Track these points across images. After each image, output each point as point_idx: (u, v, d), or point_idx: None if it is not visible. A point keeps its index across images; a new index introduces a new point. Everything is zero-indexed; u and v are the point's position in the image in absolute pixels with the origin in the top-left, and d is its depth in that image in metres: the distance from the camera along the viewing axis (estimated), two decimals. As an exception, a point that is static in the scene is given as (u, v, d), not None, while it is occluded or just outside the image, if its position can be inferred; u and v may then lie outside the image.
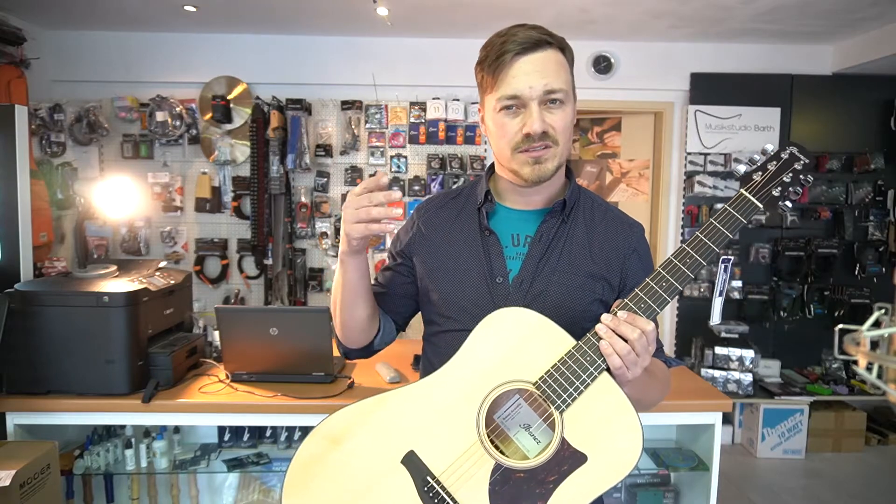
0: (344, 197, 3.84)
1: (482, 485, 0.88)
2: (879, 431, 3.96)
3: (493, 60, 1.00)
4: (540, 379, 0.90)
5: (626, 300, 0.92)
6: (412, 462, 0.90)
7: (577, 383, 0.89)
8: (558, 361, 0.90)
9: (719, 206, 1.01)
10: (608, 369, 0.89)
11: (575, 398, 0.89)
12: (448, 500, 0.88)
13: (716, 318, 1.05)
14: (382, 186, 0.95)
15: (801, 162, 0.94)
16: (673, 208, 4.05)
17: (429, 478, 0.89)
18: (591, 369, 0.89)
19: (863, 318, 0.57)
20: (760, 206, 0.93)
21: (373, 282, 1.20)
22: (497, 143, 1.05)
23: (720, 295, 1.05)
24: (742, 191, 0.94)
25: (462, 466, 0.89)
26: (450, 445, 0.90)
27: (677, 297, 3.98)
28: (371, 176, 0.90)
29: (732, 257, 0.99)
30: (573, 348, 0.90)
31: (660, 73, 3.92)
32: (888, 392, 0.54)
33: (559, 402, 0.89)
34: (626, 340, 0.88)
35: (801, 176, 0.94)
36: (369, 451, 0.91)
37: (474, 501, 0.88)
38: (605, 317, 0.90)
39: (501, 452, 0.91)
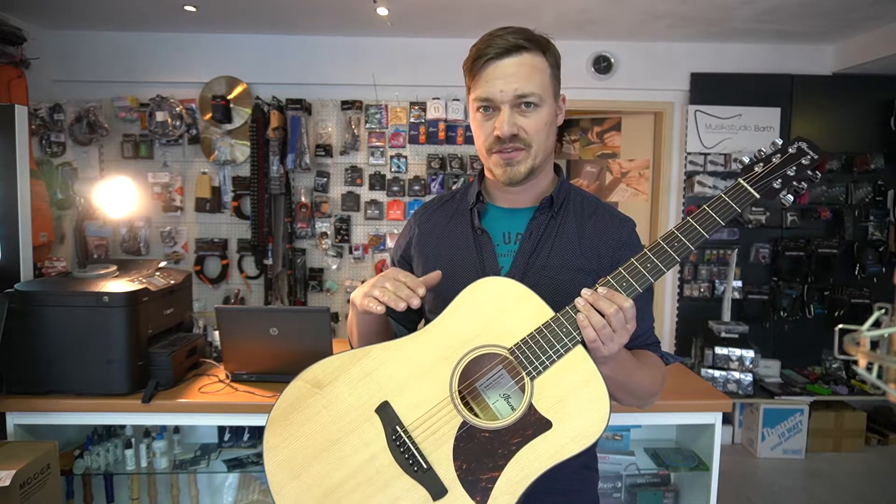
0: (344, 197, 3.86)
1: (448, 440, 0.92)
2: (879, 431, 3.96)
3: (472, 63, 1.04)
4: (515, 345, 0.93)
5: (608, 277, 0.94)
6: (385, 412, 0.94)
7: (551, 352, 0.91)
8: (535, 330, 0.93)
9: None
10: (583, 342, 0.91)
11: (547, 366, 0.91)
12: (413, 450, 0.92)
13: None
14: (415, 297, 0.95)
15: (809, 157, 0.94)
16: (673, 208, 4.05)
17: (398, 427, 0.93)
18: (566, 340, 0.91)
19: (863, 318, 0.57)
20: (757, 195, 0.94)
21: None
22: (476, 141, 1.10)
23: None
24: (740, 180, 0.95)
25: (430, 420, 0.93)
26: (422, 400, 0.94)
27: (677, 295, 3.98)
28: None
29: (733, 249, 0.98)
30: (551, 319, 0.93)
31: (660, 73, 3.92)
32: (888, 392, 0.54)
33: (531, 368, 0.92)
34: (603, 315, 0.89)
35: (808, 171, 0.94)
36: (348, 398, 0.96)
37: (438, 454, 0.92)
38: (584, 291, 0.92)
39: (473, 412, 0.95)
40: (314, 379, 0.97)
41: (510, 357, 0.93)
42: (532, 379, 0.92)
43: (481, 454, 0.91)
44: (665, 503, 2.22)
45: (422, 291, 0.96)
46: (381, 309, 0.96)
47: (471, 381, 0.97)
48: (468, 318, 0.96)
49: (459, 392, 0.94)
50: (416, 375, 0.95)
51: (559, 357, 0.91)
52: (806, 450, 3.77)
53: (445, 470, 0.91)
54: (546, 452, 0.90)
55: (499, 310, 0.95)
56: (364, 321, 1.09)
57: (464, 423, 0.92)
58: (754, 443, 3.81)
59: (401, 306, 0.94)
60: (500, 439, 0.91)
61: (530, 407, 0.91)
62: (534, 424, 0.90)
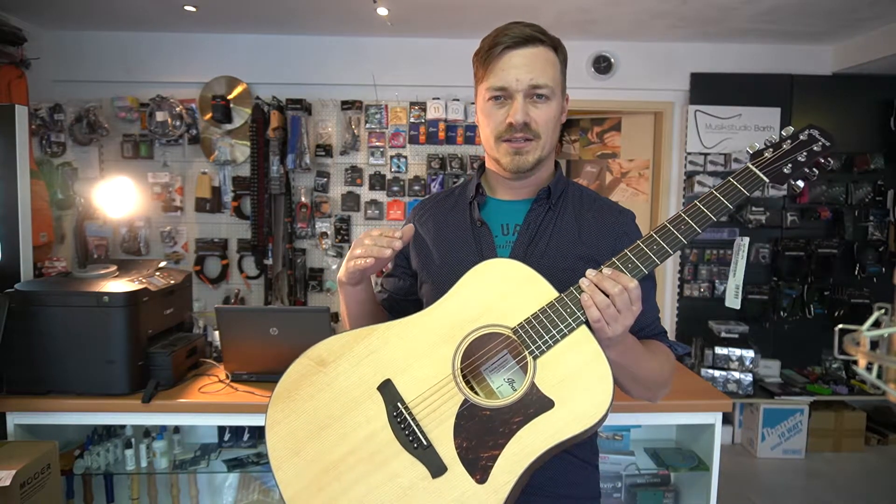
0: (344, 197, 3.86)
1: (448, 418, 0.92)
2: (879, 431, 3.96)
3: (486, 52, 1.05)
4: (518, 325, 0.93)
5: (613, 259, 0.93)
6: (387, 389, 0.95)
7: (554, 332, 0.91)
8: (538, 310, 0.93)
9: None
10: (588, 323, 0.91)
11: (550, 346, 0.91)
12: (414, 427, 0.92)
13: (728, 300, 1.06)
14: (395, 240, 0.99)
15: (821, 143, 0.93)
16: (673, 208, 4.05)
17: (399, 405, 0.93)
18: (570, 320, 0.91)
19: (863, 318, 0.57)
20: (766, 179, 0.93)
21: (378, 288, 1.24)
22: (484, 131, 1.10)
23: (733, 276, 1.06)
24: (749, 164, 0.94)
25: (431, 398, 0.93)
26: (424, 378, 0.94)
27: (677, 295, 3.98)
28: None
29: (745, 239, 0.97)
30: (555, 299, 0.93)
31: (660, 73, 3.92)
32: (888, 392, 0.54)
33: (534, 347, 0.91)
34: (607, 295, 0.88)
35: (819, 158, 0.93)
36: (350, 376, 0.96)
37: (439, 432, 0.92)
38: (589, 271, 0.91)
39: (474, 391, 0.95)
40: (318, 356, 0.98)
41: (513, 336, 0.93)
42: (535, 358, 0.91)
43: (482, 432, 0.90)
44: (665, 503, 2.22)
45: (399, 234, 0.98)
46: (369, 262, 0.98)
47: (473, 361, 0.96)
48: (472, 298, 0.96)
49: (462, 371, 0.94)
50: (419, 354, 0.95)
51: (563, 337, 0.91)
52: (806, 450, 3.77)
53: (445, 447, 0.91)
54: (547, 431, 0.89)
55: (503, 290, 0.95)
56: (354, 301, 1.10)
57: (465, 402, 0.92)
58: (754, 443, 3.81)
59: (387, 254, 0.97)
60: (501, 418, 0.90)
61: (532, 386, 0.91)
62: (536, 403, 0.90)
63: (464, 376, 0.94)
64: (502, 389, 0.97)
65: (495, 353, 0.97)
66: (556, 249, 1.08)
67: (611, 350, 0.93)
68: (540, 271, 1.04)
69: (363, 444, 0.93)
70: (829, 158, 0.93)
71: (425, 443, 0.91)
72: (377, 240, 0.99)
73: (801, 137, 0.94)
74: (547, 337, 0.91)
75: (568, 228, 1.10)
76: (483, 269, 0.97)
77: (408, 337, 0.97)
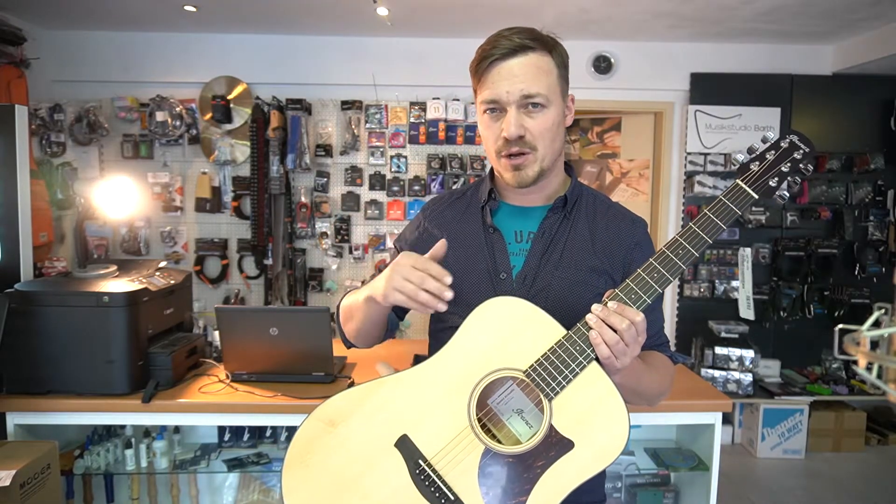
0: (344, 197, 3.86)
1: (472, 469, 0.91)
2: (879, 431, 3.96)
3: (478, 65, 1.04)
4: (530, 367, 0.92)
5: (616, 290, 0.93)
6: (405, 446, 0.93)
7: (567, 372, 0.91)
8: (548, 350, 0.92)
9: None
10: (597, 359, 0.91)
11: (564, 386, 0.91)
12: (439, 482, 0.91)
13: (741, 310, 1.06)
14: (440, 276, 0.93)
15: (801, 150, 0.94)
16: (673, 208, 4.05)
17: (420, 461, 0.92)
18: (581, 359, 0.91)
19: (863, 318, 0.57)
20: (755, 196, 0.94)
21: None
22: (485, 143, 1.09)
23: (743, 287, 1.07)
24: (738, 181, 0.95)
25: (453, 451, 0.92)
26: (442, 430, 0.93)
27: (677, 295, 3.98)
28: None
29: (747, 250, 0.98)
30: (563, 338, 0.92)
31: (660, 73, 3.92)
32: (888, 392, 0.54)
33: (548, 390, 0.91)
34: (615, 330, 0.89)
35: (800, 165, 0.94)
36: (364, 434, 0.94)
37: (464, 485, 0.90)
38: (595, 307, 0.91)
39: (495, 437, 0.94)
40: (327, 417, 0.95)
41: (526, 380, 0.92)
42: (550, 400, 0.91)
43: (506, 480, 0.90)
44: (665, 503, 2.22)
45: (448, 280, 0.92)
46: (418, 307, 0.93)
47: (489, 407, 0.96)
48: (479, 342, 0.95)
49: (478, 418, 0.93)
50: (433, 406, 0.94)
51: (575, 376, 0.91)
52: (806, 450, 3.77)
53: (473, 499, 0.90)
54: (570, 473, 0.89)
55: (509, 331, 0.94)
56: (371, 316, 1.08)
57: (487, 451, 0.91)
58: (754, 443, 3.81)
59: (440, 307, 0.91)
60: (523, 464, 0.90)
61: (551, 428, 0.90)
62: (556, 445, 0.90)
63: (481, 422, 0.93)
64: (519, 429, 0.95)
65: (509, 395, 0.96)
66: (569, 260, 1.07)
67: (616, 375, 0.94)
68: (553, 282, 1.04)
69: (387, 503, 0.91)
70: (809, 166, 0.94)
71: (452, 497, 0.90)
72: (423, 281, 0.91)
73: (783, 145, 0.95)
74: (560, 378, 0.91)
75: (581, 238, 1.09)
76: (486, 310, 0.96)
77: (418, 389, 0.95)
